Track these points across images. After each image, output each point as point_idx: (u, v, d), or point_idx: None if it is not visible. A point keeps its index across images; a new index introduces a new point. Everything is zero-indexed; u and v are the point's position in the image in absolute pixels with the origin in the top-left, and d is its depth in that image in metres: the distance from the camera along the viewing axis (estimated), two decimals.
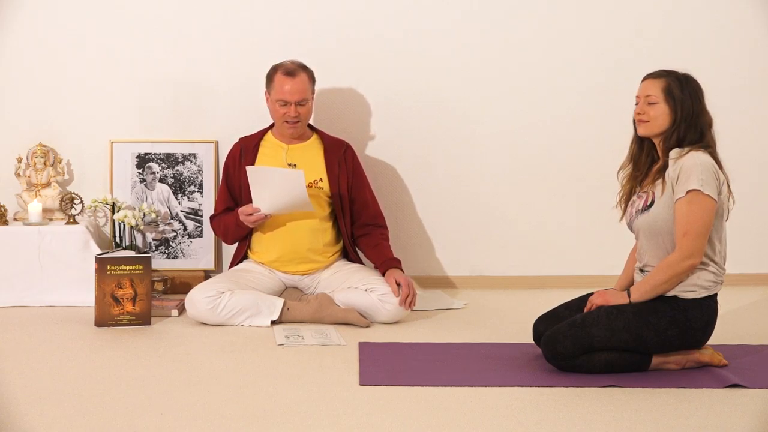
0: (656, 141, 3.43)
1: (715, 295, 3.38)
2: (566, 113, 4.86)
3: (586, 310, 3.42)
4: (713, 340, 3.62)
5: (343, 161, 4.34)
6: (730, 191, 3.38)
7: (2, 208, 4.49)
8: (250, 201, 4.26)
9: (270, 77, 4.26)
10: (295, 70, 4.22)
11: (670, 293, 3.33)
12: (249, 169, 4.09)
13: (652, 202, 3.37)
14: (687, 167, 3.29)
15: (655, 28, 4.85)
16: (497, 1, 4.79)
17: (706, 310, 3.34)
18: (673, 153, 3.35)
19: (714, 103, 4.96)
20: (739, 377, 3.28)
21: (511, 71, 4.83)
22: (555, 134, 4.86)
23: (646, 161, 3.47)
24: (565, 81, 4.85)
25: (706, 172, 3.27)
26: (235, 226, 4.22)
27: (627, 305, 3.35)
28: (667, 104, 3.37)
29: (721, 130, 4.93)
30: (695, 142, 3.34)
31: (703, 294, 3.33)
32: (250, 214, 4.11)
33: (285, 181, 4.06)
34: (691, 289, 3.32)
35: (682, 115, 3.35)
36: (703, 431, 2.82)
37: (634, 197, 3.47)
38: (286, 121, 4.24)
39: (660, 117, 3.38)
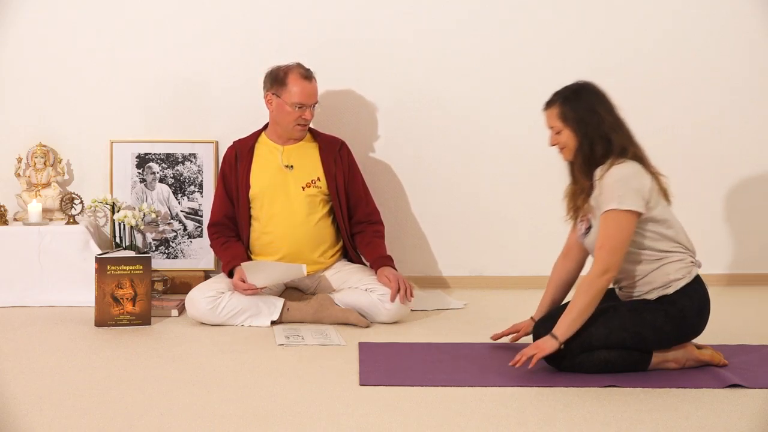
0: (576, 164, 3.42)
1: (697, 278, 3.38)
2: None
3: (518, 364, 3.27)
4: (713, 340, 3.63)
5: (338, 159, 4.33)
6: (659, 183, 3.36)
7: (2, 208, 4.49)
8: (247, 204, 4.27)
9: (281, 80, 4.21)
10: (309, 72, 4.22)
11: (654, 295, 3.33)
12: (245, 265, 4.06)
13: (590, 227, 3.40)
14: (605, 187, 3.29)
15: (656, 28, 4.85)
16: (498, 3, 4.80)
17: (694, 295, 3.34)
18: (598, 172, 3.35)
19: (714, 102, 4.99)
20: (739, 377, 3.27)
21: (511, 72, 4.83)
22: None
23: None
24: (564, 81, 4.83)
25: (623, 186, 3.26)
26: (225, 266, 4.21)
27: (621, 304, 3.37)
28: (568, 128, 3.38)
29: (721, 130, 4.97)
30: (609, 153, 3.33)
31: (683, 283, 3.33)
32: (244, 285, 4.06)
33: (286, 272, 4.10)
34: (669, 284, 3.33)
35: (584, 132, 3.36)
36: (703, 431, 2.82)
37: (578, 222, 3.49)
38: (299, 124, 4.23)
39: (570, 141, 3.40)
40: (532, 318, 3.63)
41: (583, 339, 3.29)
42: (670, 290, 3.33)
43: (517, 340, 3.64)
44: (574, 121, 3.37)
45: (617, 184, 3.27)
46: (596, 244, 3.30)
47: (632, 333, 3.30)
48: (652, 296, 3.35)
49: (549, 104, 3.45)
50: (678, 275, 3.34)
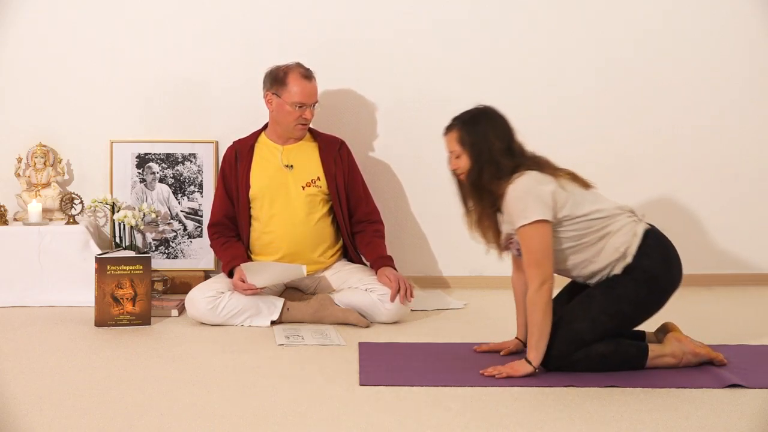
0: (466, 189, 3.46)
1: (648, 232, 3.36)
2: (564, 112, 4.86)
3: (485, 373, 3.32)
4: (713, 340, 3.63)
5: (338, 158, 4.33)
6: (569, 177, 3.38)
7: (2, 208, 4.49)
8: (247, 204, 4.26)
9: (281, 80, 4.21)
10: (309, 72, 4.23)
11: (619, 269, 3.33)
12: (245, 266, 4.07)
13: (520, 248, 3.40)
14: (509, 207, 3.32)
15: (655, 28, 4.85)
16: (498, 3, 4.79)
17: (651, 251, 3.34)
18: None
19: (714, 102, 4.99)
20: (739, 377, 3.27)
21: (509, 71, 4.83)
22: (553, 134, 4.85)
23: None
24: (562, 80, 4.85)
25: (523, 200, 3.29)
26: (225, 266, 4.21)
27: (592, 289, 3.37)
28: (466, 152, 3.42)
29: (721, 130, 4.97)
30: (500, 177, 3.35)
31: (635, 246, 3.33)
32: (244, 285, 4.06)
33: (286, 272, 4.10)
34: (624, 254, 3.33)
35: (477, 157, 3.39)
36: (703, 431, 2.82)
37: (505, 248, 3.50)
38: (300, 124, 4.23)
39: (467, 166, 3.43)
40: (517, 338, 3.62)
41: (572, 337, 3.29)
42: (629, 258, 3.33)
43: (507, 354, 3.60)
44: (470, 145, 3.41)
45: (517, 201, 3.30)
46: (524, 263, 3.32)
47: (612, 314, 3.30)
48: (618, 271, 3.35)
49: (449, 129, 3.49)
50: (627, 243, 3.34)
